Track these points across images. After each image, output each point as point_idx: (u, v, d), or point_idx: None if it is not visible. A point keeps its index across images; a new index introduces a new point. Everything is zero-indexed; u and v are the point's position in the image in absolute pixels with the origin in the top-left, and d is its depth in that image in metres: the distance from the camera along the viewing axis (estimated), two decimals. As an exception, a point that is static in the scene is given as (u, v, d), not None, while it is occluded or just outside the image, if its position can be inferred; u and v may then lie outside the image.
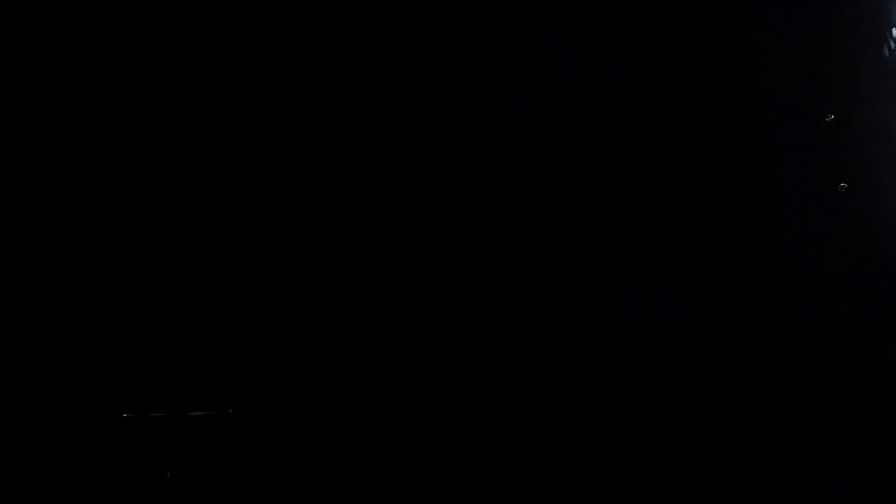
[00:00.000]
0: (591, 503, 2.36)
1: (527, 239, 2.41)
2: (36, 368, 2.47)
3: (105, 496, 2.40)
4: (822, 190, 2.39)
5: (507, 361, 2.42)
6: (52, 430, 2.46)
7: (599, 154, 2.42)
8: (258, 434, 2.45)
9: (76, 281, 2.49)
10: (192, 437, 2.47)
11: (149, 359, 2.48)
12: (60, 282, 2.48)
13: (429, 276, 2.42)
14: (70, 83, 2.45)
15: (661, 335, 2.39)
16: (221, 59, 2.45)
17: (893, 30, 2.14)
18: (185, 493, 2.42)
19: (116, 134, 2.47)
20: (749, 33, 2.42)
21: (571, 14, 2.42)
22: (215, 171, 2.46)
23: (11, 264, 2.48)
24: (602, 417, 2.39)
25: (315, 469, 2.43)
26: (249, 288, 2.46)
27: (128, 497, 2.41)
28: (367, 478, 2.42)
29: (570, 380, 2.40)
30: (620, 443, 2.37)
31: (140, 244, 2.48)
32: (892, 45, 2.16)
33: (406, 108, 2.45)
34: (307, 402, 2.45)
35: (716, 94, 2.42)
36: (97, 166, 2.48)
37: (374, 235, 2.43)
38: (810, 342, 2.36)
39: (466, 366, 2.41)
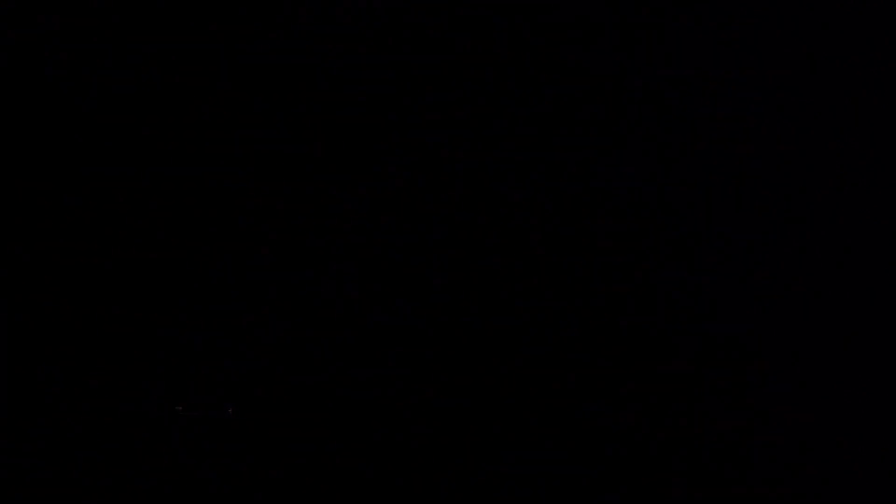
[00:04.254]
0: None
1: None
2: (35, 368, 2.46)
3: (105, 496, 2.40)
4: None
5: (504, 361, 2.41)
6: (51, 429, 2.45)
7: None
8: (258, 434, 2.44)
9: (74, 279, 2.48)
10: (192, 436, 2.46)
11: (149, 358, 2.48)
12: (58, 280, 2.47)
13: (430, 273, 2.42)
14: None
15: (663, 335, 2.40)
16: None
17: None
18: (185, 491, 2.42)
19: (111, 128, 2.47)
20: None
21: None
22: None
23: (10, 262, 2.47)
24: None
25: (315, 468, 2.43)
26: (250, 285, 2.46)
27: (128, 497, 2.41)
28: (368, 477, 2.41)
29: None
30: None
31: (139, 242, 2.48)
32: None
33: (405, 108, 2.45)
34: (306, 400, 2.45)
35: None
36: (91, 156, 2.48)
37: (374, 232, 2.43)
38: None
39: (466, 365, 2.41)
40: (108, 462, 2.42)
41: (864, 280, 2.38)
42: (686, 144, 2.42)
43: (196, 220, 2.47)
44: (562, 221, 2.42)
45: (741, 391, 2.37)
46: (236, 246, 2.46)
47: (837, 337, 2.37)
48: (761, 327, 2.38)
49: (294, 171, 2.46)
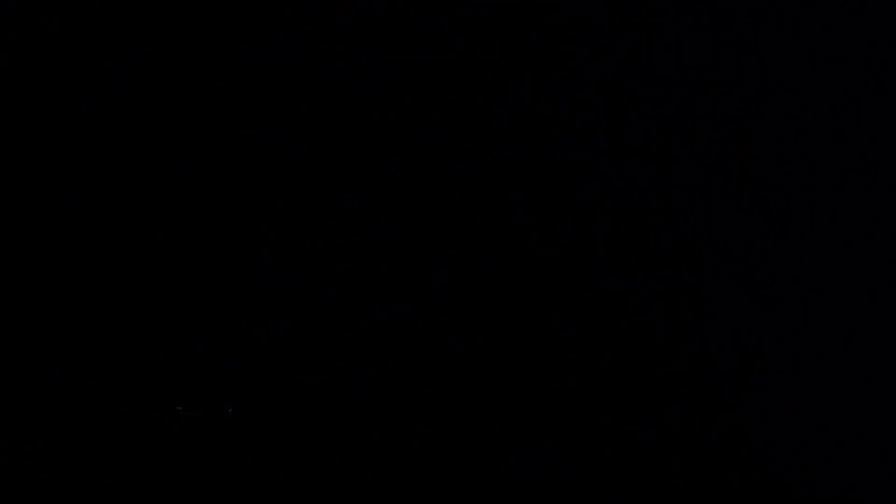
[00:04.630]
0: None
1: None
2: (35, 368, 2.46)
3: (105, 496, 2.40)
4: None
5: (511, 359, 2.41)
6: (51, 429, 2.45)
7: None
8: (258, 434, 2.44)
9: (74, 279, 2.48)
10: (192, 436, 2.46)
11: (149, 358, 2.48)
12: (58, 280, 2.47)
13: (428, 273, 2.42)
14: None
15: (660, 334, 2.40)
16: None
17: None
18: (185, 491, 2.42)
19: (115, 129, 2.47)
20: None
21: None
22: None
23: (9, 260, 2.47)
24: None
25: (313, 468, 2.43)
26: (249, 284, 2.46)
27: (128, 497, 2.41)
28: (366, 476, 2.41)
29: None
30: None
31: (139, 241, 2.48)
32: None
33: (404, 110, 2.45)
34: (305, 399, 2.44)
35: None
36: (92, 156, 2.48)
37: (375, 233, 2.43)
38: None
39: (467, 363, 2.41)
40: (108, 462, 2.42)
41: (864, 280, 2.38)
42: (686, 144, 2.42)
43: (196, 220, 2.47)
44: (562, 221, 2.42)
45: (741, 391, 2.37)
46: (236, 246, 2.46)
47: (837, 337, 2.37)
48: (761, 327, 2.38)
49: (294, 171, 2.46)
